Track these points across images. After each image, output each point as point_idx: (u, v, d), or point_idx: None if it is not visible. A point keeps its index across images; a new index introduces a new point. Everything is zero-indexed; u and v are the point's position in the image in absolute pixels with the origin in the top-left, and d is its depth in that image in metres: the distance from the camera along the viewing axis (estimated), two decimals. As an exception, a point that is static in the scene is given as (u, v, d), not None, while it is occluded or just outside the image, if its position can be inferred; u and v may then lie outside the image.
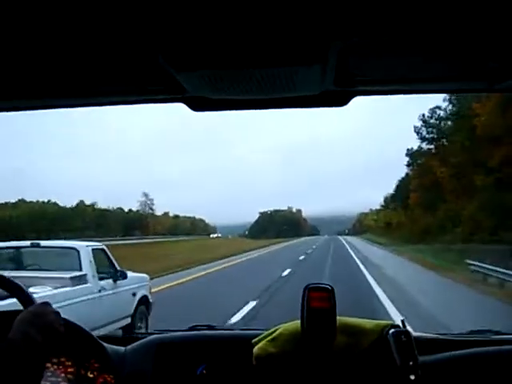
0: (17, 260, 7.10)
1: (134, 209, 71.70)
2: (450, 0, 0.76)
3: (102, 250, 7.20)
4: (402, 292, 11.21)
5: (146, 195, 71.61)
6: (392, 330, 1.42)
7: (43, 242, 7.25)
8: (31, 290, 5.83)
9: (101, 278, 6.85)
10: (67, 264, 6.70)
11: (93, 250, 6.92)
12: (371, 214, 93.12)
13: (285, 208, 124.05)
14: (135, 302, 7.37)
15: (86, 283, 6.53)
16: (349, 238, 79.33)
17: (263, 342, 1.45)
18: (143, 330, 7.29)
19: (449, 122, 36.48)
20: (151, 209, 72.76)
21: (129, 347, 1.58)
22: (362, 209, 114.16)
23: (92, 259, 6.74)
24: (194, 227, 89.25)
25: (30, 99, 1.18)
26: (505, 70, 1.02)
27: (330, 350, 1.39)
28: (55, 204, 64.96)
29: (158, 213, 79.20)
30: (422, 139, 39.44)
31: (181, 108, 1.20)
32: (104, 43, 0.88)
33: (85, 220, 62.67)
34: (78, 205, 66.67)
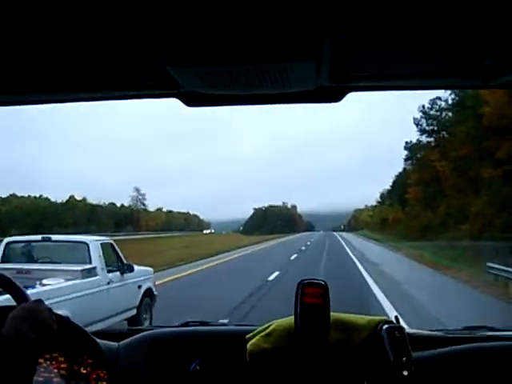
0: (29, 253, 7.41)
1: (126, 204, 71.67)
2: None
3: (110, 244, 7.61)
4: (403, 295, 10.53)
5: (137, 190, 71.61)
6: (386, 326, 1.43)
7: (54, 237, 7.71)
8: (45, 281, 6.15)
9: (109, 271, 7.23)
10: (77, 257, 7.09)
11: (101, 244, 7.34)
12: (367, 210, 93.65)
13: (280, 204, 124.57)
14: (141, 294, 7.85)
15: (95, 276, 6.91)
16: (344, 234, 79.77)
17: (257, 337, 1.47)
18: (148, 321, 7.75)
19: (450, 113, 35.67)
20: (143, 204, 72.81)
21: (122, 343, 1.59)
22: (357, 205, 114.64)
23: (101, 253, 7.09)
24: (187, 223, 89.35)
25: (22, 94, 1.19)
26: (500, 67, 1.03)
27: (324, 346, 1.40)
28: (46, 199, 64.73)
29: (152, 208, 79.40)
30: (422, 131, 38.70)
31: (175, 103, 1.22)
32: (99, 39, 0.89)
33: (75, 215, 62.56)
34: (68, 200, 66.49)
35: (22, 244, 7.64)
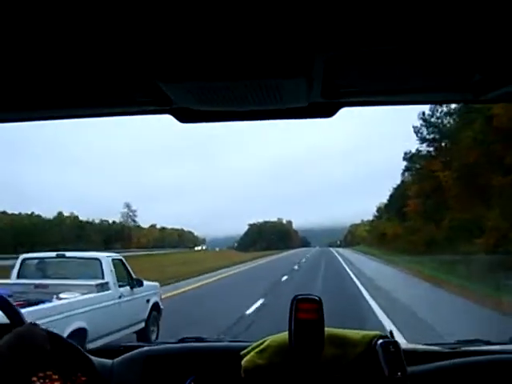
0: (43, 269, 7.72)
1: (117, 220, 71.48)
2: (435, 12, 0.78)
3: (120, 260, 7.95)
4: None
5: (128, 206, 71.45)
6: (380, 341, 1.45)
7: (68, 253, 8.27)
8: (61, 295, 6.37)
9: (120, 286, 7.52)
10: (90, 273, 7.47)
11: (113, 259, 7.71)
12: (363, 224, 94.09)
13: (275, 219, 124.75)
14: (149, 308, 8.19)
15: (108, 290, 7.25)
16: (341, 250, 79.53)
17: (251, 353, 1.49)
18: (155, 334, 8.01)
19: (452, 120, 34.51)
20: (134, 220, 72.58)
21: (116, 360, 1.61)
22: (353, 220, 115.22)
23: (112, 268, 7.41)
24: (181, 239, 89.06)
25: (15, 111, 1.21)
26: (490, 82, 1.06)
27: (318, 362, 1.41)
28: (38, 216, 64.36)
29: (145, 225, 79.30)
30: (422, 140, 37.51)
31: (169, 119, 1.22)
32: (92, 57, 0.91)
33: (62, 232, 62.16)
34: (56, 216, 66.13)
35: (37, 260, 7.95)
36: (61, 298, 6.68)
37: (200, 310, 11.10)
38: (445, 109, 34.91)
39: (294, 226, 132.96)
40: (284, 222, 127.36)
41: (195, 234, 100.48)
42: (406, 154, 42.24)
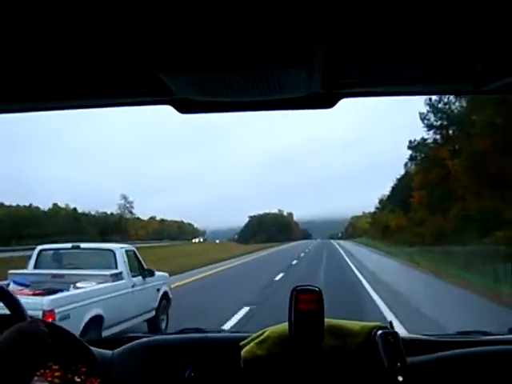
0: (59, 260, 8.18)
1: (114, 212, 71.78)
2: (436, 3, 0.79)
3: (133, 250, 8.38)
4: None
5: (124, 198, 71.59)
6: (380, 332, 1.49)
7: (83, 245, 8.76)
8: (78, 284, 6.82)
9: (132, 276, 7.98)
10: (104, 263, 7.89)
11: (126, 250, 8.12)
12: (365, 217, 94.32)
13: (275, 211, 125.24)
14: (159, 297, 8.62)
15: (122, 279, 7.68)
16: (342, 242, 79.73)
17: (251, 344, 1.53)
18: (164, 322, 8.50)
19: (461, 104, 32.97)
20: (130, 212, 72.86)
21: (116, 351, 1.65)
22: (354, 212, 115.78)
23: (126, 259, 7.86)
24: (181, 231, 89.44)
25: (13, 102, 1.24)
26: (490, 73, 1.07)
27: (318, 352, 1.45)
28: (31, 208, 64.61)
29: (145, 217, 79.76)
30: (429, 127, 36.03)
31: (168, 110, 1.25)
32: (91, 47, 0.92)
33: (57, 224, 62.46)
34: (50, 208, 66.42)
35: (52, 251, 8.40)
36: (78, 287, 7.12)
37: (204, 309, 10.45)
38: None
39: (295, 217, 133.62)
40: (285, 213, 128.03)
41: (195, 225, 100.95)
42: (411, 142, 41.21)
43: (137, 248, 8.96)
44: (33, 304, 6.03)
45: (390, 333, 1.48)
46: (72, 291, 6.90)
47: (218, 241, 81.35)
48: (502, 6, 0.81)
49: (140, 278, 8.35)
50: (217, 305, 11.17)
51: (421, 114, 35.92)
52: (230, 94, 1.12)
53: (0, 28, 0.84)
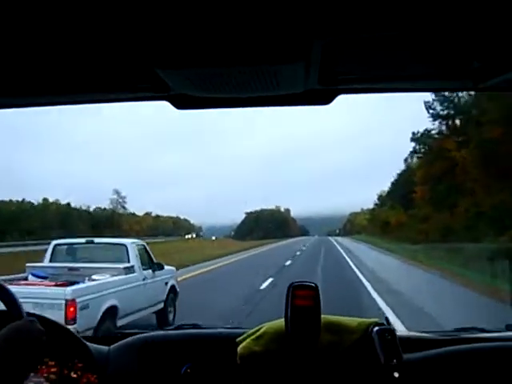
0: (73, 254, 8.88)
1: (107, 207, 72.18)
2: (434, 0, 0.82)
3: (143, 245, 9.06)
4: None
5: (117, 192, 71.77)
6: (376, 328, 1.52)
7: (96, 239, 9.74)
8: (94, 277, 7.45)
9: (143, 269, 8.65)
10: (117, 257, 8.55)
11: (137, 245, 8.77)
12: (363, 213, 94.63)
13: (272, 207, 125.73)
14: (167, 290, 9.28)
15: (134, 272, 8.31)
16: (340, 238, 79.79)
17: (247, 340, 1.56)
18: (172, 314, 9.16)
19: (468, 94, 30.99)
20: (123, 207, 73.28)
21: (113, 346, 1.68)
22: (352, 208, 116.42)
23: (137, 253, 8.52)
24: (177, 227, 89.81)
25: (12, 97, 1.26)
26: (488, 69, 1.09)
27: (315, 348, 1.48)
28: (24, 202, 64.85)
29: (140, 212, 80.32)
30: (435, 117, 34.64)
31: (165, 106, 1.26)
32: (89, 43, 0.95)
33: (46, 219, 62.67)
34: (41, 202, 66.66)
35: (67, 246, 9.05)
36: (93, 280, 7.76)
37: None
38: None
39: (293, 214, 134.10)
40: (282, 209, 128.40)
41: (191, 221, 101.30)
42: (414, 134, 40.01)
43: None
44: (56, 294, 6.68)
45: (386, 329, 1.52)
46: (90, 283, 7.54)
47: (214, 237, 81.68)
48: (500, 3, 0.83)
49: (150, 271, 9.08)
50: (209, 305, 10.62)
51: (426, 102, 34.84)
52: (228, 89, 1.15)
53: (1, 24, 0.86)
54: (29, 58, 1.04)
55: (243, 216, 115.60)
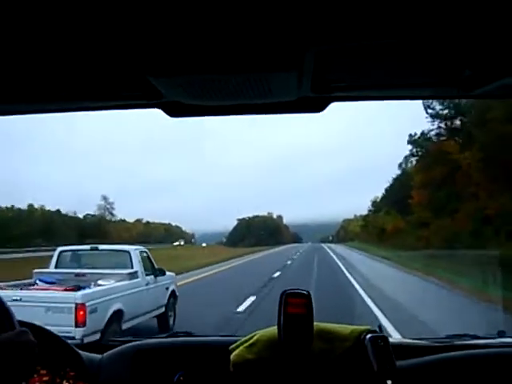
0: (78, 260, 9.37)
1: (96, 214, 72.10)
2: (425, 9, 0.84)
3: (145, 252, 9.56)
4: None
5: (105, 198, 71.77)
6: (369, 335, 1.54)
7: (101, 246, 10.43)
8: (99, 282, 7.87)
9: (146, 275, 9.11)
10: (121, 263, 9.01)
11: (140, 252, 9.25)
12: (356, 220, 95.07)
13: (265, 213, 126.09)
14: (168, 295, 9.72)
15: (137, 278, 8.75)
16: (333, 245, 79.89)
17: (240, 348, 1.59)
18: (172, 318, 9.63)
19: None
20: (111, 213, 73.27)
21: (105, 355, 1.71)
22: (346, 215, 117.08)
23: (140, 259, 9.00)
24: (168, 234, 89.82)
25: (2, 104, 1.28)
26: (479, 77, 1.13)
27: (307, 356, 1.51)
28: (13, 209, 64.62)
29: (131, 219, 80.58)
30: (434, 117, 34.09)
31: (158, 113, 1.30)
32: (82, 51, 0.98)
33: (29, 225, 62.44)
34: (25, 209, 66.45)
35: (71, 252, 9.62)
36: (99, 285, 8.18)
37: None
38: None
39: (285, 221, 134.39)
40: (274, 216, 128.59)
41: (183, 228, 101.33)
42: (411, 136, 39.20)
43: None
44: (66, 298, 7.09)
45: (379, 336, 1.55)
46: (98, 287, 7.98)
47: (204, 244, 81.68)
48: (491, 12, 0.85)
49: (152, 276, 9.56)
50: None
51: (424, 102, 33.05)
52: (220, 97, 1.17)
53: None
54: (18, 66, 1.06)
55: (235, 223, 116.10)
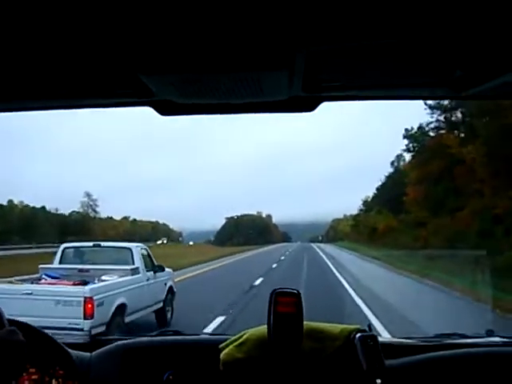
0: (81, 256, 10.01)
1: (81, 210, 72.07)
2: (418, 9, 0.86)
3: (146, 249, 10.21)
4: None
5: (88, 195, 71.67)
6: (359, 335, 1.60)
7: (103, 243, 11.07)
8: (103, 277, 8.50)
9: (146, 271, 9.77)
10: (122, 259, 9.66)
11: (140, 248, 9.88)
12: (346, 219, 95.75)
13: (254, 212, 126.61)
14: (166, 290, 10.36)
15: (138, 274, 9.38)
16: (323, 245, 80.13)
17: (230, 347, 1.64)
18: (170, 313, 10.57)
19: None
20: (94, 210, 73.24)
21: (95, 353, 1.75)
22: (335, 215, 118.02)
23: (141, 256, 9.64)
24: (155, 232, 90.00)
25: None
26: (470, 78, 1.16)
27: (297, 355, 1.56)
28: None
29: (118, 217, 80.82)
30: (434, 108, 33.25)
31: (149, 112, 1.34)
32: (73, 49, 1.00)
33: (9, 222, 62.32)
34: (5, 205, 66.32)
35: (74, 249, 10.43)
36: (103, 280, 8.79)
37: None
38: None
39: (274, 220, 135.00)
40: (263, 215, 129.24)
41: (170, 226, 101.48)
42: (407, 130, 38.95)
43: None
44: (75, 292, 7.69)
45: (368, 336, 1.60)
46: (104, 282, 8.59)
47: (191, 242, 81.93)
48: (482, 13, 0.87)
49: (152, 272, 10.17)
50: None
51: None
52: (211, 96, 1.19)
53: None
54: (7, 65, 1.08)
55: (224, 221, 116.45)
